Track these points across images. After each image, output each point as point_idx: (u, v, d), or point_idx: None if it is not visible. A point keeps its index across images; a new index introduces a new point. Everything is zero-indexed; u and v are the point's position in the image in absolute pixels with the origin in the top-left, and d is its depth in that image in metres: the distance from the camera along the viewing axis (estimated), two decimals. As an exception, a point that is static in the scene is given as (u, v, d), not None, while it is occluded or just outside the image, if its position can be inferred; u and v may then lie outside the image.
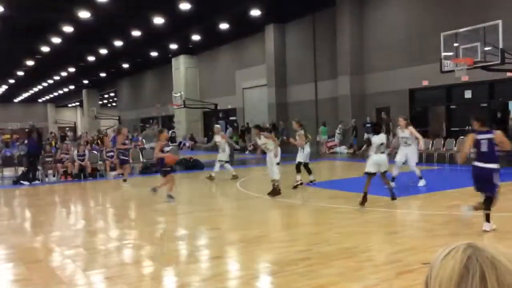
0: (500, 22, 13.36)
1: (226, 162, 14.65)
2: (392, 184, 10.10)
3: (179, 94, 30.40)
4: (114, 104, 67.03)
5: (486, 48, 13.77)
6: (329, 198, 10.13)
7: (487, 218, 6.53)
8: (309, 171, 12.08)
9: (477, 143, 6.66)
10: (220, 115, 34.99)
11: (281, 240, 6.67)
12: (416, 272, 4.99)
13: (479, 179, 6.69)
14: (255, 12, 25.67)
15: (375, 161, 9.00)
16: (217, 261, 5.95)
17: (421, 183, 10.95)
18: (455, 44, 14.57)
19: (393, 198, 9.12)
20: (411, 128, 11.06)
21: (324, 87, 25.99)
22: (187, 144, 34.06)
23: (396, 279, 4.85)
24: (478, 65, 13.86)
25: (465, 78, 17.32)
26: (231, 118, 34.32)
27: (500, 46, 13.16)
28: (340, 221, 8.13)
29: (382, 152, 9.10)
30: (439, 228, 7.03)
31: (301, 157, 11.88)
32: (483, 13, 17.05)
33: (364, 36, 23.51)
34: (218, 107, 30.57)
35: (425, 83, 20.31)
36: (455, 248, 0.79)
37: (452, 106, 20.34)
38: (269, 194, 10.35)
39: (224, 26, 28.46)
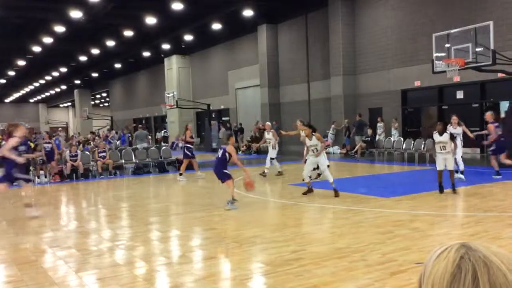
0: (491, 23, 13.46)
1: (273, 158, 14.99)
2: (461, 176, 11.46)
3: (172, 94, 30.31)
4: (106, 104, 66.76)
5: (478, 49, 13.86)
6: (323, 198, 10.15)
7: None
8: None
9: None
10: (213, 115, 34.97)
11: (275, 240, 6.67)
12: (409, 272, 5.01)
13: None
14: (248, 13, 25.68)
15: (443, 158, 9.82)
16: (211, 261, 5.94)
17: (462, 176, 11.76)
18: (447, 45, 14.65)
19: (454, 191, 9.83)
20: (463, 126, 12.51)
21: (317, 87, 26.04)
22: (180, 145, 33.99)
23: (389, 279, 4.86)
24: (470, 65, 13.95)
25: (456, 79, 17.44)
26: (224, 118, 34.30)
27: (491, 47, 13.26)
28: (334, 221, 8.16)
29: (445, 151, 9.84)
30: (432, 228, 7.07)
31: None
32: (474, 15, 17.19)
33: (357, 37, 23.59)
34: (211, 107, 30.53)
35: (417, 83, 20.42)
36: (448, 248, 0.79)
37: (444, 107, 20.45)
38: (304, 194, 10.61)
39: (216, 26, 28.45)
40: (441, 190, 9.84)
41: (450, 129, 11.95)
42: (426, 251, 5.74)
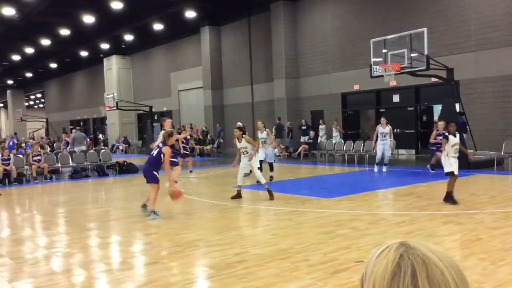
0: (425, 30, 14.11)
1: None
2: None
3: (112, 95, 29.47)
4: (41, 105, 63.88)
5: (412, 55, 14.49)
6: (266, 200, 10.20)
7: None
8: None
9: None
10: (155, 118, 34.37)
11: (218, 243, 6.62)
12: (350, 270, 5.13)
13: None
14: (190, 14, 25.48)
15: (455, 161, 8.85)
16: (153, 267, 5.80)
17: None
18: (384, 51, 15.21)
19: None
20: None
21: (260, 90, 26.24)
22: (121, 147, 33.12)
23: (331, 278, 4.95)
24: (405, 70, 14.55)
25: (393, 83, 18.14)
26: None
27: (425, 52, 13.89)
28: (277, 222, 8.22)
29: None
30: (371, 227, 7.29)
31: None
32: (409, 22, 17.97)
33: (299, 41, 24.00)
34: (153, 109, 29.98)
35: (357, 87, 21.06)
36: (388, 247, 0.80)
37: (381, 110, 21.22)
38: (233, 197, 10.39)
39: (158, 26, 28.00)
40: (454, 201, 8.70)
41: (380, 129, 13.96)
42: (365, 250, 5.90)
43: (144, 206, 9.11)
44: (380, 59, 15.33)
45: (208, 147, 25.75)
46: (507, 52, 16.07)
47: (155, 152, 8.86)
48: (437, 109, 18.34)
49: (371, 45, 15.67)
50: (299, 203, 9.64)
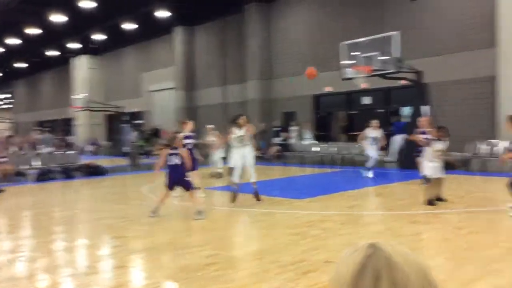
0: (397, 33, 14.34)
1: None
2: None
3: (81, 96, 28.93)
4: (10, 106, 62.16)
5: (383, 57, 14.70)
6: (237, 201, 10.16)
7: None
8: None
9: None
10: (126, 118, 33.91)
11: (189, 246, 6.55)
12: (320, 271, 5.15)
13: None
14: (163, 14, 25.23)
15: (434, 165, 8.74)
16: (121, 270, 5.69)
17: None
18: (356, 53, 15.39)
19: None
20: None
21: (233, 91, 26.20)
22: (90, 149, 32.54)
23: (301, 278, 4.96)
24: (376, 73, 14.75)
25: (364, 85, 18.37)
26: (137, 121, 33.38)
27: (397, 55, 14.11)
28: (249, 224, 8.20)
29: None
30: (342, 227, 7.34)
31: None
32: (380, 25, 18.24)
33: (272, 43, 24.08)
34: (124, 110, 29.54)
35: (328, 89, 21.25)
36: (358, 248, 0.81)
37: (352, 112, 21.48)
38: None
39: (129, 26, 27.64)
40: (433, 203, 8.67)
41: (370, 132, 13.17)
42: (335, 250, 5.94)
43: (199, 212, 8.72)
44: (351, 62, 15.50)
45: (180, 148, 25.52)
46: (476, 55, 16.48)
47: (177, 160, 8.54)
48: (407, 111, 18.66)
49: (343, 48, 15.83)
50: (271, 204, 9.64)
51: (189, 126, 11.49)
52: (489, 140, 14.73)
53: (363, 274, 0.75)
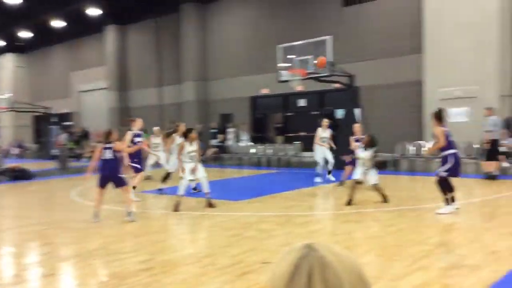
0: (330, 37, 14.73)
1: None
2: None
3: (6, 96, 27.27)
4: None
5: (317, 61, 15.03)
6: (171, 205, 9.98)
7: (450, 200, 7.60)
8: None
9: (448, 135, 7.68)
10: (55, 120, 32.42)
11: (121, 251, 6.33)
12: (257, 272, 5.15)
13: (460, 163, 7.81)
14: (93, 11, 24.39)
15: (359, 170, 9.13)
16: (50, 279, 5.40)
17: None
18: (291, 56, 15.65)
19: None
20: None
21: (169, 92, 25.80)
22: (15, 152, 30.77)
23: (238, 280, 4.94)
24: (311, 76, 15.07)
25: (299, 88, 18.71)
26: (67, 123, 32.03)
27: (329, 59, 14.49)
28: (184, 227, 8.07)
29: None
30: (278, 228, 7.41)
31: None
32: (314, 29, 18.66)
33: (208, 44, 23.96)
34: (52, 111, 28.20)
35: (265, 91, 21.46)
36: (293, 249, 0.82)
37: (288, 113, 21.84)
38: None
39: (58, 23, 26.46)
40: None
41: (320, 131, 12.37)
42: (272, 251, 5.98)
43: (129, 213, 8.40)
44: (287, 65, 15.74)
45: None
46: (404, 60, 17.30)
47: (110, 155, 8.27)
48: (340, 113, 19.23)
49: (279, 51, 16.04)
50: (207, 207, 9.55)
51: (138, 123, 11.02)
52: (416, 141, 15.50)
53: (297, 274, 0.76)
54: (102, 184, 8.38)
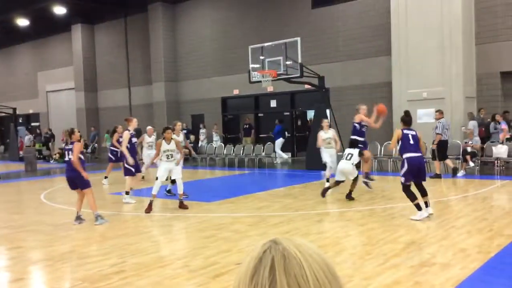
0: (298, 39, 14.85)
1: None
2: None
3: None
4: None
5: (288, 62, 15.15)
6: (143, 207, 9.87)
7: (423, 206, 7.39)
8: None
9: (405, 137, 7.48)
10: (20, 121, 31.56)
11: (92, 254, 6.22)
12: (231, 273, 5.14)
13: (421, 167, 7.50)
14: (60, 10, 23.86)
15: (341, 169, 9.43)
16: (18, 283, 5.25)
17: None
18: (261, 57, 15.70)
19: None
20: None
21: (139, 93, 25.49)
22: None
23: (212, 282, 4.92)
24: (281, 77, 15.15)
25: (270, 89, 18.79)
26: (33, 124, 31.23)
27: (299, 60, 14.62)
28: (157, 229, 7.99)
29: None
30: (251, 228, 7.42)
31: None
32: (284, 31, 18.81)
33: (178, 44, 23.79)
34: (17, 112, 27.45)
35: (236, 92, 21.45)
36: (258, 244, 0.82)
37: (260, 114, 21.88)
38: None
39: (23, 22, 25.76)
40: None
41: (322, 133, 11.33)
42: (245, 252, 5.98)
43: (78, 217, 8.19)
44: (258, 65, 15.78)
45: (82, 152, 24.25)
46: (370, 62, 17.60)
47: (70, 156, 8.05)
48: (310, 114, 19.42)
49: (249, 52, 16.08)
50: (179, 208, 9.48)
51: (134, 123, 10.80)
52: (386, 142, 15.77)
53: (259, 268, 0.77)
54: (70, 187, 8.21)
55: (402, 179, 7.50)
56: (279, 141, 18.54)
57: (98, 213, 8.17)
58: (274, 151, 18.34)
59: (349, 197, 9.49)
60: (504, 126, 13.74)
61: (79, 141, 8.21)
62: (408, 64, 15.84)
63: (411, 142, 7.47)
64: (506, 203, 9.15)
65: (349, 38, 18.25)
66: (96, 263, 5.76)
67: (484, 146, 13.26)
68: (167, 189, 10.97)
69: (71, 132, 8.20)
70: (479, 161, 13.03)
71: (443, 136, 12.54)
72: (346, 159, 9.43)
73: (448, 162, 12.56)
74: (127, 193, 10.33)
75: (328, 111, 15.79)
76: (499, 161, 12.75)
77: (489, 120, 14.45)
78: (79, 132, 8.40)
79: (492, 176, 12.43)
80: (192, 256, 5.94)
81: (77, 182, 8.10)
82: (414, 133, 7.60)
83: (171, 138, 9.38)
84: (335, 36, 18.63)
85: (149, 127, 14.16)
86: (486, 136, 13.96)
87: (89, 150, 24.56)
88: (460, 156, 13.16)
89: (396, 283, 4.65)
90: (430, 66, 15.46)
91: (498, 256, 5.44)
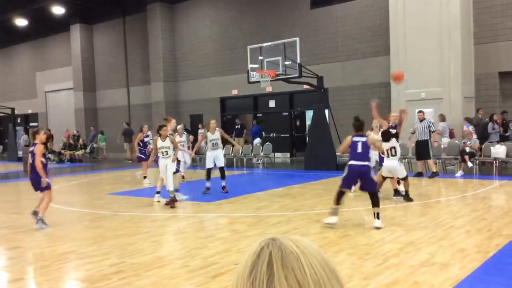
0: (297, 39, 14.85)
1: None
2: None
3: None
4: None
5: (286, 62, 15.16)
6: (142, 206, 9.87)
7: (378, 215, 7.08)
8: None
9: (353, 144, 7.22)
10: (19, 121, 31.54)
11: (92, 254, 6.21)
12: (230, 273, 5.14)
13: (363, 176, 7.17)
14: (58, 10, 23.84)
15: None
16: (17, 284, 5.25)
17: None
18: (260, 57, 15.70)
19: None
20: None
21: (137, 92, 25.47)
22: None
23: (211, 282, 4.91)
24: (280, 77, 15.16)
25: (269, 89, 18.81)
26: (32, 124, 31.18)
27: (298, 61, 14.62)
28: (155, 229, 7.98)
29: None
30: (250, 229, 7.42)
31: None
32: (283, 31, 18.83)
33: (177, 44, 23.78)
34: (16, 112, 27.41)
35: (235, 92, 21.45)
36: (257, 242, 0.83)
37: (258, 114, 21.88)
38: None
39: (22, 22, 25.73)
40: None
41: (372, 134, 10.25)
42: (244, 252, 5.97)
43: (35, 213, 8.15)
44: (256, 66, 15.78)
45: (80, 152, 24.25)
46: (369, 62, 17.61)
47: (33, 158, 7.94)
48: (309, 114, 19.41)
49: (248, 52, 16.08)
50: (179, 208, 9.48)
51: (173, 124, 10.70)
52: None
53: (257, 263, 0.78)
54: (34, 189, 8.10)
55: (341, 185, 7.24)
56: (257, 141, 18.82)
57: (42, 217, 7.94)
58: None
59: (407, 198, 9.09)
60: (466, 128, 13.57)
61: (45, 143, 8.05)
62: (406, 64, 15.85)
63: (359, 150, 7.16)
64: (505, 203, 9.16)
65: (348, 38, 18.26)
66: (95, 263, 5.76)
67: (483, 146, 13.27)
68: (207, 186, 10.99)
69: (35, 132, 7.99)
70: (477, 161, 13.05)
71: (419, 136, 12.47)
72: (391, 155, 8.95)
73: (430, 162, 12.47)
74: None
75: (327, 111, 15.81)
76: (497, 161, 12.77)
77: (487, 120, 14.48)
78: (45, 133, 8.10)
79: (490, 176, 12.44)
80: (191, 256, 5.93)
81: (36, 185, 7.98)
82: (364, 139, 7.29)
83: (167, 136, 9.47)
84: (334, 36, 18.64)
85: (179, 126, 14.26)
86: (483, 136, 13.98)
87: (87, 150, 24.55)
88: (459, 156, 13.18)
89: (395, 283, 4.65)
90: (428, 66, 15.48)
91: (497, 256, 5.44)
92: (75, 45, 27.35)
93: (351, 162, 7.24)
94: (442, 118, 14.75)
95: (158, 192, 10.29)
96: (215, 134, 11.01)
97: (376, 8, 17.51)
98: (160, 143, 9.45)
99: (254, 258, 0.79)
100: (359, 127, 7.46)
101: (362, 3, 17.94)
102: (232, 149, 16.63)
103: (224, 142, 12.26)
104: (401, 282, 4.67)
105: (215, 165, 11.03)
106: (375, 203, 7.11)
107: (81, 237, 7.46)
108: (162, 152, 9.50)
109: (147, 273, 5.30)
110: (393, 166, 8.98)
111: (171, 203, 9.41)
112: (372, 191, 7.23)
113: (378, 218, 7.06)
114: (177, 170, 10.35)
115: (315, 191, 10.32)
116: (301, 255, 0.77)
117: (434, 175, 12.17)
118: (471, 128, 13.60)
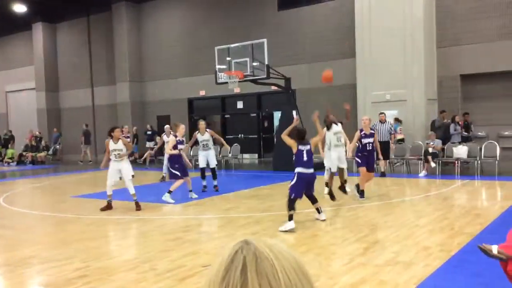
0: (265, 40, 14.91)
1: None
2: None
3: None
4: None
5: (254, 64, 15.19)
6: (114, 210, 9.67)
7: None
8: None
9: (299, 153, 7.39)
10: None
11: (55, 259, 6.04)
12: (198, 275, 5.10)
13: (311, 182, 7.40)
14: (20, 8, 23.16)
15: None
16: (-26, 292, 5.05)
17: None
18: (228, 58, 15.68)
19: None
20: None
21: (102, 93, 25.01)
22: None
23: (179, 285, 4.86)
24: (248, 78, 15.18)
25: (237, 90, 18.80)
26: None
27: (266, 62, 14.67)
28: (121, 232, 7.84)
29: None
30: (218, 230, 7.39)
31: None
32: (251, 32, 18.85)
33: (143, 44, 23.48)
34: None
35: (202, 93, 21.34)
36: (230, 245, 0.82)
37: (226, 115, 21.84)
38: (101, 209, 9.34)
39: (-19, 19, 24.87)
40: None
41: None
42: (213, 254, 5.94)
43: None
44: (224, 66, 15.75)
45: (42, 154, 23.61)
46: (336, 64, 17.82)
47: None
48: (277, 115, 19.50)
49: (215, 52, 16.02)
50: (145, 210, 9.34)
51: (182, 130, 10.62)
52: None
53: (231, 268, 0.76)
54: None
55: (291, 194, 7.19)
56: None
57: None
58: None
59: (332, 195, 9.40)
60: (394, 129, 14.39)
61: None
62: (372, 66, 16.13)
63: (305, 158, 7.36)
64: (466, 202, 9.44)
65: (315, 40, 18.45)
66: (59, 268, 5.61)
67: (445, 147, 13.65)
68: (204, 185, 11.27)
69: None
70: (440, 162, 13.40)
71: (380, 138, 12.78)
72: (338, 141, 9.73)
73: (383, 163, 13.06)
74: (169, 192, 10.05)
75: (294, 112, 15.91)
76: (459, 162, 13.15)
77: (449, 121, 14.89)
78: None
79: (452, 176, 12.79)
80: (158, 259, 5.85)
81: None
82: (308, 147, 7.51)
83: (119, 138, 9.32)
84: (301, 38, 18.80)
85: (166, 126, 14.18)
86: (446, 137, 14.38)
87: (50, 152, 23.93)
88: (422, 157, 13.50)
89: (362, 282, 4.72)
90: (393, 68, 15.79)
91: (459, 254, 5.60)
92: (38, 44, 26.63)
93: (301, 170, 7.34)
94: (398, 121, 15.40)
95: (169, 192, 10.05)
96: (205, 135, 11.26)
97: (343, 10, 17.75)
98: (112, 145, 9.25)
99: (227, 263, 0.77)
100: (300, 134, 7.74)
101: (329, 5, 18.16)
102: (221, 150, 16.61)
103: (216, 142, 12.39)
104: (367, 281, 4.74)
105: (207, 164, 11.38)
106: (315, 200, 7.53)
107: (44, 240, 7.25)
108: (115, 155, 9.28)
109: (112, 277, 5.20)
110: (342, 153, 9.59)
111: (137, 205, 9.27)
112: (313, 192, 7.56)
113: (320, 212, 7.56)
114: (179, 176, 10.15)
115: (284, 192, 10.34)
116: (275, 261, 0.76)
117: (384, 175, 12.99)
118: (398, 129, 14.68)
